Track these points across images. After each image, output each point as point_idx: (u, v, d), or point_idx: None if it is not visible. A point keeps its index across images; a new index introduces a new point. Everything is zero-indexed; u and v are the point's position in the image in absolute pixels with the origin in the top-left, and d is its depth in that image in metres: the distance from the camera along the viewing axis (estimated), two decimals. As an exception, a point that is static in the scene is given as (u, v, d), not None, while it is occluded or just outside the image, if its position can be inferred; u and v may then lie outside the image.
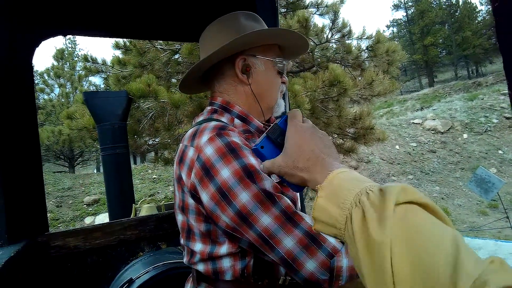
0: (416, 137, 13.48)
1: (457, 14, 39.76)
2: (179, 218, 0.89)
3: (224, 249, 0.81)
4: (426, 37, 38.02)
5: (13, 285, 1.05)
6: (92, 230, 1.45)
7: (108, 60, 6.19)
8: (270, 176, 0.78)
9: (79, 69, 17.29)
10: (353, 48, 5.62)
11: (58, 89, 17.62)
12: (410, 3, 43.11)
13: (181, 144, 0.86)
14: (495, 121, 14.34)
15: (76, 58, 18.34)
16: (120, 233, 1.50)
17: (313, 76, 5.04)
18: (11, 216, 1.23)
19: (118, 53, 5.96)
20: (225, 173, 0.74)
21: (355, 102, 5.62)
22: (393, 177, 11.10)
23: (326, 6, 5.63)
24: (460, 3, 40.13)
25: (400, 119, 15.65)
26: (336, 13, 5.42)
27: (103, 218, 9.01)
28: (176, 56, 5.65)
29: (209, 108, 0.96)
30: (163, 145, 5.58)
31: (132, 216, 2.62)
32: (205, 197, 0.77)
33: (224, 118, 0.92)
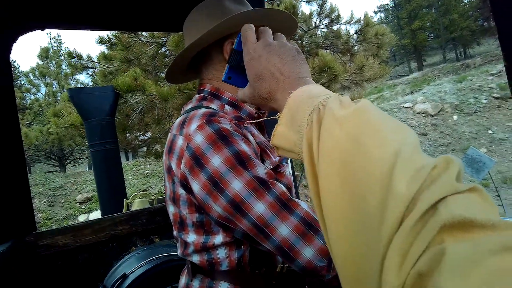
0: (407, 121, 13.61)
1: (443, -4, 39.86)
2: (171, 209, 0.86)
3: (218, 239, 0.79)
4: (414, 21, 38.08)
5: (2, 285, 1.03)
6: (82, 228, 1.42)
7: (94, 56, 6.07)
8: (263, 163, 0.74)
9: (65, 67, 17.00)
10: (342, 33, 5.58)
11: (44, 88, 17.33)
12: (396, -12, 43.06)
13: (170, 134, 0.83)
14: (484, 101, 14.52)
15: (62, 57, 18.00)
16: (111, 228, 1.47)
17: (302, 63, 5.01)
18: None
19: (103, 48, 5.85)
20: (216, 161, 0.72)
21: (346, 88, 5.61)
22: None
23: (314, -9, 5.57)
24: (447, -15, 40.19)
25: (391, 103, 15.75)
26: (323, -2, 5.37)
27: (96, 215, 8.98)
28: (164, 49, 5.56)
29: (197, 95, 0.93)
30: (154, 140, 5.52)
31: (124, 211, 2.58)
32: (196, 187, 0.74)
33: (214, 105, 0.88)
